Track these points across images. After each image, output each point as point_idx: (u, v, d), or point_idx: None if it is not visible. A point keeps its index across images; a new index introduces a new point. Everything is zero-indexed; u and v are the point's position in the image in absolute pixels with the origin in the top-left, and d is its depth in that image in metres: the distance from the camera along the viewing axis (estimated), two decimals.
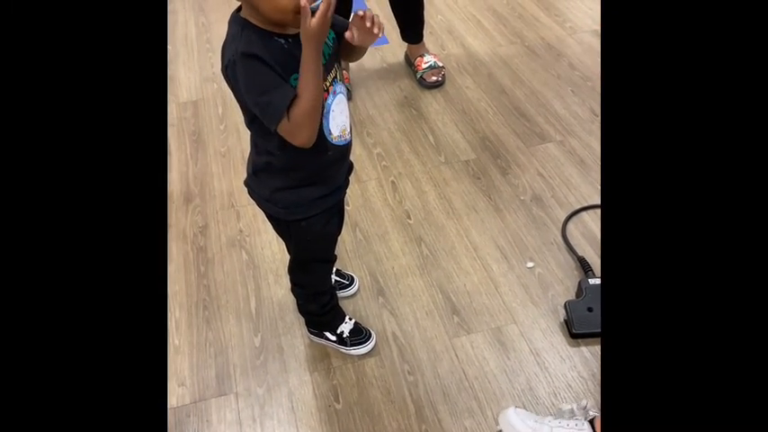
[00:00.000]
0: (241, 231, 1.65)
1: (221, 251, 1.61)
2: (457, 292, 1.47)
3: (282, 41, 0.90)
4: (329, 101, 0.98)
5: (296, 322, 1.42)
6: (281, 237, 1.22)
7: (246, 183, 1.12)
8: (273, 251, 1.59)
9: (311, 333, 1.36)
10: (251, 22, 0.89)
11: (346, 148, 1.06)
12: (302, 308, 1.34)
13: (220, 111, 2.10)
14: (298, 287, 1.30)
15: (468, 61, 2.23)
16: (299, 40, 0.88)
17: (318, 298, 1.30)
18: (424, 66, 2.13)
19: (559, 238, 1.58)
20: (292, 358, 1.35)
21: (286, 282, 1.50)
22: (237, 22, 0.91)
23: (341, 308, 1.35)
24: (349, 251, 1.58)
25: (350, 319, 1.35)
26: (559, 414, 1.18)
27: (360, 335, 1.34)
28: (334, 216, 1.16)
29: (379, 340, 1.37)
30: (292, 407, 1.27)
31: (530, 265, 1.52)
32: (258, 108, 0.90)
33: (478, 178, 1.77)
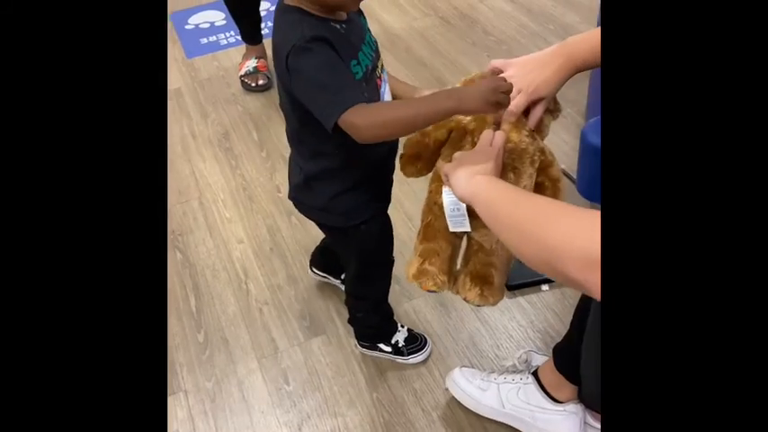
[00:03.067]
0: (173, 232, 1.63)
1: None
2: (395, 262, 1.49)
3: (338, 27, 0.86)
4: (382, 89, 0.94)
5: (238, 314, 1.42)
6: (338, 248, 1.17)
7: (293, 197, 1.07)
8: (208, 248, 1.58)
9: (363, 347, 1.30)
10: (306, 10, 0.84)
11: (395, 142, 1.01)
12: (360, 320, 1.26)
13: None
14: (359, 300, 1.23)
15: (385, 37, 2.25)
16: (352, 25, 0.87)
17: (380, 308, 1.25)
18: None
19: None
20: (238, 348, 1.35)
21: (225, 276, 1.50)
22: (290, 10, 0.85)
23: (394, 318, 1.30)
24: (286, 237, 1.58)
25: (402, 326, 1.29)
26: (503, 370, 1.22)
27: (416, 341, 1.28)
28: (387, 214, 1.13)
29: (325, 319, 1.38)
30: (243, 395, 1.27)
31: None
32: (325, 94, 0.81)
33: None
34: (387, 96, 0.96)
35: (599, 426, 1.08)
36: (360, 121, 0.80)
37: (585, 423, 1.09)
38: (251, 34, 2.11)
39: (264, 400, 1.25)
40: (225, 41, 2.34)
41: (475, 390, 1.17)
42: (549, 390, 1.10)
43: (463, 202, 0.84)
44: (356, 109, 0.79)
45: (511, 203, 0.71)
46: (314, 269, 1.43)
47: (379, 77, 0.93)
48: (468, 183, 0.78)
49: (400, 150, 1.02)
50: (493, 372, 1.20)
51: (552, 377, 1.10)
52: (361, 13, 0.95)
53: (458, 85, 0.95)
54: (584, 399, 1.07)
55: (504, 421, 1.15)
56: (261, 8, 2.10)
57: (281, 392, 1.26)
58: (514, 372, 1.18)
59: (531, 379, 1.13)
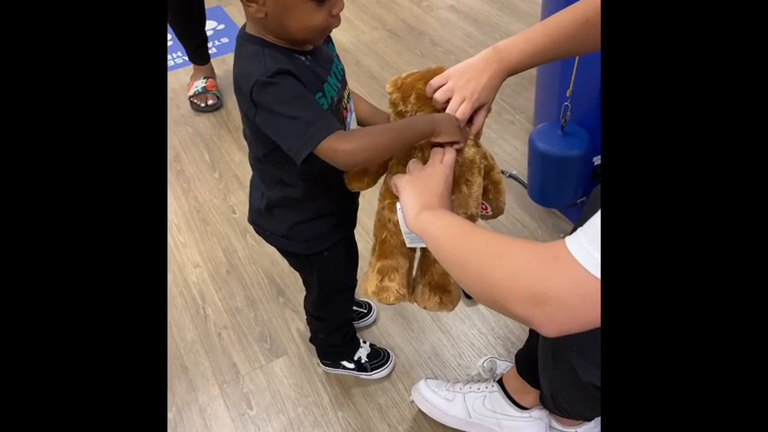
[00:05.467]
0: None
1: None
2: None
3: (304, 59, 0.82)
4: (348, 119, 0.91)
5: (197, 340, 1.39)
6: (299, 272, 1.15)
7: (253, 221, 1.04)
8: None
9: (326, 365, 1.29)
10: (268, 41, 0.80)
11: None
12: (323, 341, 1.26)
13: None
14: (320, 321, 1.22)
15: None
16: (318, 56, 0.84)
17: (342, 329, 1.23)
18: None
19: None
20: (198, 376, 1.32)
21: (182, 302, 1.47)
22: (251, 40, 0.81)
23: (356, 335, 1.30)
24: (242, 258, 1.56)
25: (364, 342, 1.29)
26: (469, 379, 1.22)
27: (378, 356, 1.28)
28: (353, 240, 1.11)
29: (285, 339, 1.37)
30: (205, 423, 1.24)
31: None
32: (296, 127, 0.78)
33: None
34: (353, 126, 0.94)
35: (562, 429, 1.10)
36: (340, 146, 0.78)
37: (551, 428, 1.10)
38: (198, 54, 2.08)
39: (228, 426, 1.23)
40: (172, 62, 2.31)
41: (441, 401, 1.17)
42: (514, 396, 1.11)
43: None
44: (335, 137, 0.78)
45: (457, 240, 0.72)
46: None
47: (345, 108, 0.91)
48: (417, 219, 0.79)
49: None
50: (458, 382, 1.20)
51: (516, 383, 1.11)
52: (329, 39, 0.92)
53: (390, 87, 0.93)
54: (545, 403, 1.08)
55: (471, 431, 1.15)
56: (207, 27, 2.08)
57: (245, 418, 1.24)
58: (479, 380, 1.19)
59: (496, 387, 1.14)
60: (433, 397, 1.18)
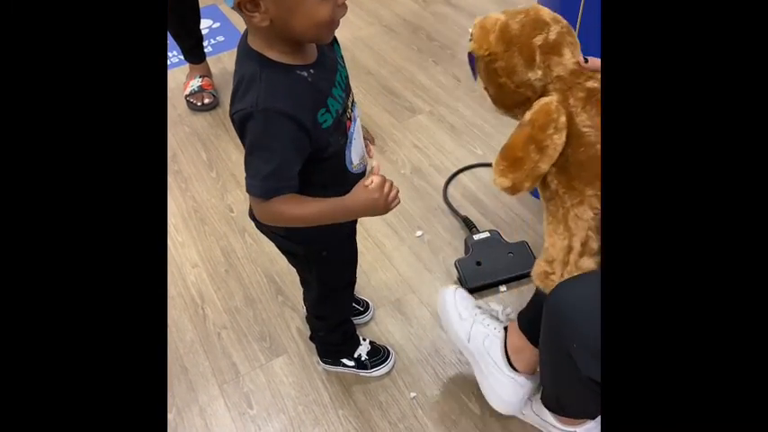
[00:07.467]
0: None
1: None
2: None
3: (306, 74, 0.80)
4: (351, 129, 0.89)
5: (196, 340, 1.38)
6: (298, 271, 1.15)
7: (253, 216, 1.01)
8: None
9: (326, 363, 1.29)
10: (269, 57, 0.78)
11: (364, 174, 0.96)
12: (323, 339, 1.26)
13: None
14: (320, 320, 1.22)
15: None
16: (322, 68, 0.82)
17: (341, 327, 1.23)
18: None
19: (442, 203, 1.63)
20: (198, 376, 1.31)
21: (180, 302, 1.46)
22: (251, 56, 0.79)
23: (356, 332, 1.29)
24: (241, 257, 1.56)
25: (364, 339, 1.28)
26: (487, 309, 1.21)
27: (378, 354, 1.27)
28: (353, 237, 1.11)
29: (285, 338, 1.37)
30: (206, 423, 1.24)
31: (419, 233, 1.56)
32: (259, 165, 0.79)
33: None
34: (356, 134, 0.91)
35: (564, 428, 1.09)
36: (256, 204, 0.84)
37: (553, 427, 1.10)
38: (193, 53, 2.07)
39: (228, 426, 1.23)
40: (167, 62, 2.30)
41: (455, 314, 1.18)
42: (510, 353, 1.11)
43: None
44: (283, 198, 0.81)
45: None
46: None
47: (349, 118, 0.89)
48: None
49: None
50: (479, 308, 1.20)
51: (516, 340, 1.11)
52: (334, 41, 0.89)
53: (485, 42, 0.89)
54: (547, 403, 1.08)
55: (465, 355, 1.17)
56: (202, 26, 2.07)
57: (245, 417, 1.24)
58: (493, 318, 1.18)
59: (500, 334, 1.14)
60: (451, 307, 1.19)
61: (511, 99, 0.92)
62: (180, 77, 2.16)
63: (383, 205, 0.85)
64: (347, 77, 0.90)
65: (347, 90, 0.88)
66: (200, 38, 2.06)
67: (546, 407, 1.08)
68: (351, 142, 0.89)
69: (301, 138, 0.80)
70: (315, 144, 0.82)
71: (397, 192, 0.86)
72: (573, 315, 0.83)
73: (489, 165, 1.71)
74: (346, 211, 0.86)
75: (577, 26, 1.18)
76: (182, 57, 2.12)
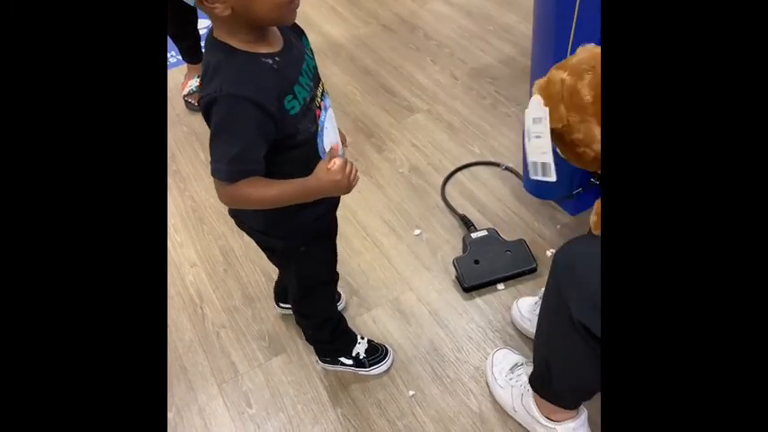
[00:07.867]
0: None
1: None
2: (353, 273, 1.48)
3: (270, 62, 0.82)
4: (322, 117, 0.91)
5: (195, 340, 1.39)
6: (278, 268, 1.14)
7: (234, 214, 1.03)
8: None
9: (324, 362, 1.29)
10: (233, 47, 0.80)
11: None
12: (312, 337, 1.26)
13: None
14: (305, 318, 1.23)
15: (328, 48, 2.24)
16: (289, 55, 0.84)
17: (328, 324, 1.23)
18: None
19: (440, 202, 1.63)
20: (197, 375, 1.32)
21: (179, 302, 1.47)
22: (216, 46, 0.81)
23: (351, 330, 1.29)
24: (239, 256, 1.56)
25: (362, 338, 1.28)
26: (519, 364, 1.20)
27: (376, 352, 1.27)
28: (333, 234, 1.11)
29: (284, 337, 1.37)
30: (205, 423, 1.24)
31: (417, 232, 1.56)
32: (223, 149, 0.81)
33: (356, 160, 1.79)
34: (328, 123, 0.93)
35: (548, 424, 1.08)
36: (219, 187, 0.85)
37: (537, 423, 1.09)
38: (191, 53, 2.07)
39: (228, 426, 1.23)
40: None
41: (494, 383, 1.20)
42: (540, 409, 1.10)
43: None
44: (248, 181, 0.83)
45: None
46: (280, 304, 1.40)
47: (319, 107, 0.90)
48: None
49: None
50: (519, 365, 1.18)
51: (540, 400, 1.10)
52: (302, 34, 0.91)
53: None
54: (533, 381, 1.08)
55: (517, 420, 1.16)
56: (199, 26, 2.07)
57: (244, 416, 1.24)
58: (528, 365, 1.16)
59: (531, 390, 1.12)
60: (491, 378, 1.21)
61: (597, 164, 0.86)
62: (178, 77, 2.16)
63: (345, 185, 0.88)
64: (315, 68, 0.92)
65: (315, 80, 0.90)
66: (197, 38, 2.06)
67: (533, 387, 1.08)
68: (322, 130, 0.91)
69: (266, 122, 0.82)
70: (283, 130, 0.84)
71: (356, 171, 0.90)
72: (579, 268, 0.85)
73: (487, 163, 1.71)
74: (309, 191, 0.88)
75: (573, 26, 1.18)
76: (180, 57, 2.13)
